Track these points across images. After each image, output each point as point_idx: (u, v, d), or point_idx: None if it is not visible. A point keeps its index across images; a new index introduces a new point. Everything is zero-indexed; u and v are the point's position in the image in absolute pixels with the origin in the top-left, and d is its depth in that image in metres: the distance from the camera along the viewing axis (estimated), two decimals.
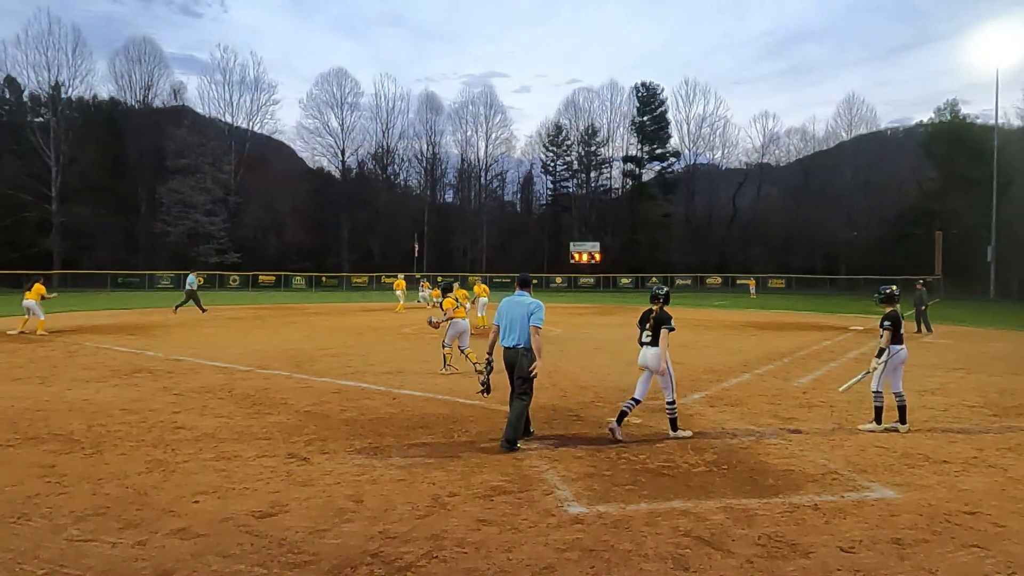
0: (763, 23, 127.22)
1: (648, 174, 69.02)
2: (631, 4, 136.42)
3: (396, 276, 29.94)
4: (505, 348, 6.13)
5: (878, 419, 6.88)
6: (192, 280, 24.83)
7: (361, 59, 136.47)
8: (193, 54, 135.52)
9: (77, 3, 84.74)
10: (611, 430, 6.38)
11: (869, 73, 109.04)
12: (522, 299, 6.16)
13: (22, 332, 15.82)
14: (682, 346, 14.10)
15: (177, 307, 23.96)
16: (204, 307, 24.17)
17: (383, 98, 66.89)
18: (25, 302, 16.06)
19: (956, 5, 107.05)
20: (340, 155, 65.82)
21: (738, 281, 53.97)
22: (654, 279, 57.70)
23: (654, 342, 6.39)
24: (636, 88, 68.08)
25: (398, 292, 28.00)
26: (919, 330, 18.09)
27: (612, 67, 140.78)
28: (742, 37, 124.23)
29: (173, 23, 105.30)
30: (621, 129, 68.92)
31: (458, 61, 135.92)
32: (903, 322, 7.31)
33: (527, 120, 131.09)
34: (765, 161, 68.87)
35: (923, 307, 18.23)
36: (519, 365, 6.01)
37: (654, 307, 6.52)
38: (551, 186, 71.21)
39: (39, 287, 16.31)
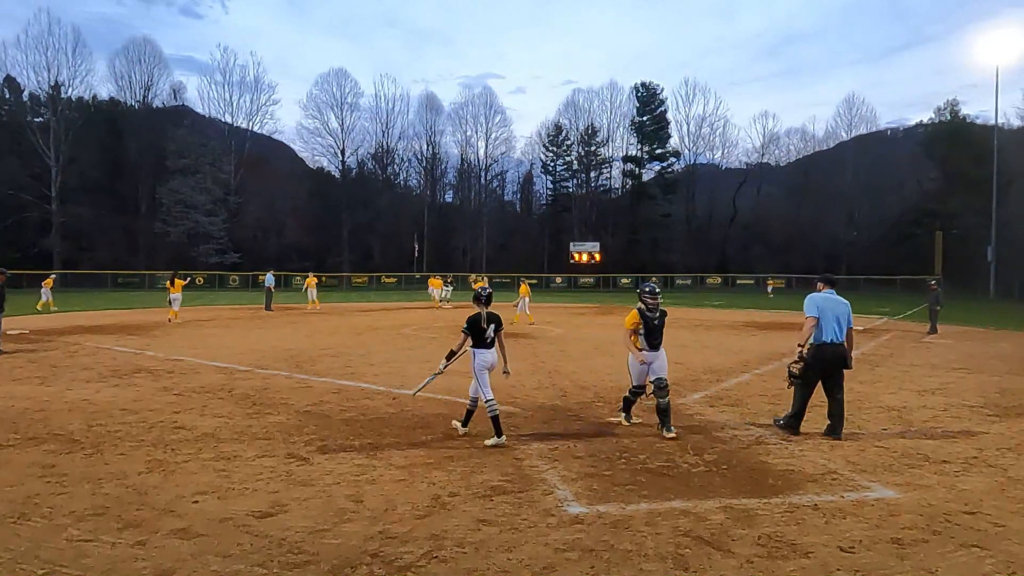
0: (756, 25, 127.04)
1: (648, 174, 69.14)
2: (624, 6, 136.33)
3: (307, 275, 31.47)
4: (828, 344, 6.48)
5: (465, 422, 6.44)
6: (271, 279, 27.33)
7: (357, 60, 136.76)
8: (192, 55, 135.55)
9: (77, 4, 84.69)
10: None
11: (864, 74, 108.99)
12: (839, 299, 6.63)
13: (171, 320, 19.40)
14: (682, 346, 14.10)
15: (268, 307, 26.00)
16: (272, 307, 26.18)
17: (383, 98, 67.08)
18: (172, 295, 19.71)
19: (950, 5, 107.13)
20: (340, 155, 65.89)
21: (738, 281, 54.00)
22: (654, 279, 57.82)
23: None
24: (636, 88, 68.19)
25: (309, 290, 29.07)
26: (932, 330, 18.10)
27: (607, 68, 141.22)
28: (736, 39, 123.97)
29: (173, 24, 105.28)
30: (621, 129, 69.10)
31: (453, 63, 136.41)
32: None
33: (523, 121, 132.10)
34: (765, 161, 68.95)
35: (939, 307, 18.46)
36: (844, 360, 6.50)
37: None
38: (551, 186, 71.26)
39: (180, 281, 19.95)
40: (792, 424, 6.66)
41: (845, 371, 6.58)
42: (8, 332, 15.91)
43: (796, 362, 6.70)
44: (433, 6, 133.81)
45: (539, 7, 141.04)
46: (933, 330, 18.01)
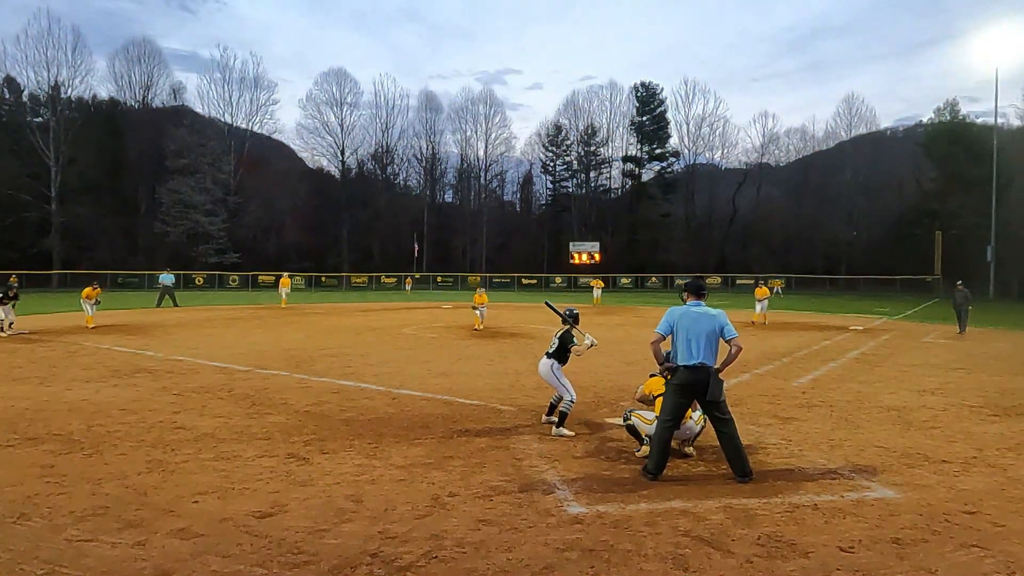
0: (785, 19, 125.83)
1: (648, 174, 69.10)
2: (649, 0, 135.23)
3: (282, 275, 32.32)
4: (682, 368, 5.34)
5: None
6: (166, 278, 28.11)
7: (376, 55, 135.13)
8: (197, 51, 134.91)
9: (78, 0, 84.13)
10: None
11: (882, 72, 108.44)
12: (706, 311, 5.50)
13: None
14: None
15: (159, 303, 26.89)
16: (160, 305, 26.92)
17: (383, 98, 67.04)
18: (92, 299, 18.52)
19: (951, 6, 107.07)
20: (340, 155, 65.79)
21: (737, 281, 54.03)
22: (653, 279, 57.86)
23: None
24: (636, 88, 68.17)
25: (283, 289, 29.76)
26: (962, 330, 18.19)
27: (627, 64, 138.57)
28: (760, 33, 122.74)
29: (179, 18, 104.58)
30: (621, 129, 69.04)
31: (473, 57, 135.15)
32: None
33: (538, 117, 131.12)
34: (764, 161, 68.97)
35: (970, 306, 18.72)
36: (705, 387, 5.30)
37: None
38: (551, 186, 71.23)
39: (91, 290, 18.58)
40: (650, 469, 5.28)
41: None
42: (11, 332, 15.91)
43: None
44: (455, 1, 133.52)
45: (561, 1, 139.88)
46: (962, 330, 18.23)
